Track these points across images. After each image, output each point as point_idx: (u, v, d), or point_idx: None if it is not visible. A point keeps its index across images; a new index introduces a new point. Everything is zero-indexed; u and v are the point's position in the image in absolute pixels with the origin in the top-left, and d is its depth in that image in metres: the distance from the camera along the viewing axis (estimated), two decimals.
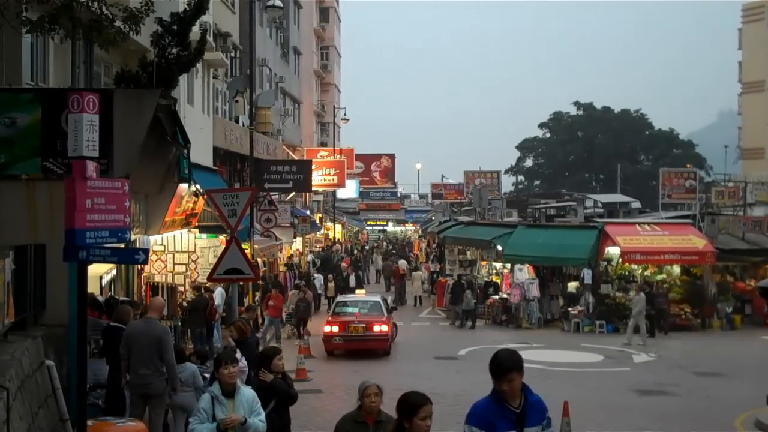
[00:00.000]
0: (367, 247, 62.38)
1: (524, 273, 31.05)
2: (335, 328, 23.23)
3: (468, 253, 38.67)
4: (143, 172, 13.64)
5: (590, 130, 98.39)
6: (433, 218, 65.68)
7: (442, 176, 76.86)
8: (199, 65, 24.27)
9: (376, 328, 23.12)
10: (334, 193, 58.83)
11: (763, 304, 28.93)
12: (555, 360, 22.99)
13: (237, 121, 32.85)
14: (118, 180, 9.27)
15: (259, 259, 28.30)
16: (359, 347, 23.10)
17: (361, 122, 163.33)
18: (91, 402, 10.58)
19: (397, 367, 22.04)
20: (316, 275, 36.74)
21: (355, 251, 57.28)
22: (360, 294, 29.14)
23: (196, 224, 21.00)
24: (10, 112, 11.35)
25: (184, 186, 17.05)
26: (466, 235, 37.83)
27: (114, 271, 16.40)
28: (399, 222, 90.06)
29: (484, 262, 36.67)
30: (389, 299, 30.20)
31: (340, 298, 27.15)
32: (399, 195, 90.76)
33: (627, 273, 30.98)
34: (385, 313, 24.08)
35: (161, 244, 21.24)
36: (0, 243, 10.08)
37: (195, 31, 16.82)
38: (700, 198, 38.88)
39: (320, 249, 51.48)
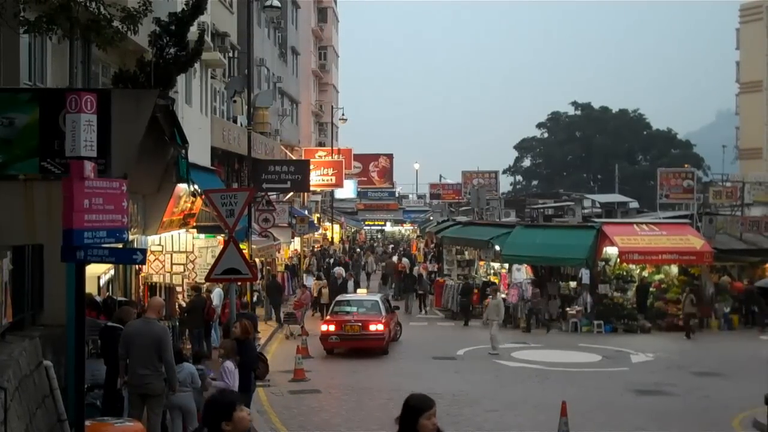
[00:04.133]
0: (358, 249, 61.59)
1: (522, 273, 31.06)
2: (332, 327, 23.55)
3: (466, 253, 38.65)
4: (141, 172, 13.64)
5: (588, 130, 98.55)
6: (431, 218, 65.69)
7: (440, 176, 76.96)
8: (197, 65, 24.25)
9: (372, 327, 23.30)
10: (332, 193, 58.84)
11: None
12: (553, 360, 23.02)
13: (235, 121, 32.84)
14: (116, 180, 9.28)
15: (257, 260, 28.30)
16: (355, 345, 23.33)
17: (359, 122, 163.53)
18: (88, 402, 10.56)
19: (395, 367, 22.05)
20: (336, 268, 37.48)
21: (355, 252, 57.21)
22: (361, 293, 29.19)
23: (194, 224, 21.01)
24: (7, 112, 11.35)
25: (182, 186, 17.05)
26: (464, 235, 37.83)
27: (112, 272, 16.39)
28: (397, 222, 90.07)
29: (482, 262, 36.66)
30: (390, 294, 30.34)
31: (339, 297, 27.28)
32: (397, 195, 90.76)
33: (625, 273, 30.99)
34: (383, 313, 24.15)
35: (159, 245, 21.24)
36: None
37: (193, 31, 16.81)
38: (697, 198, 38.92)
39: (318, 248, 51.51)
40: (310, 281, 33.93)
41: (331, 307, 25.88)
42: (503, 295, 31.30)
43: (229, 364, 12.65)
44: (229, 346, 13.27)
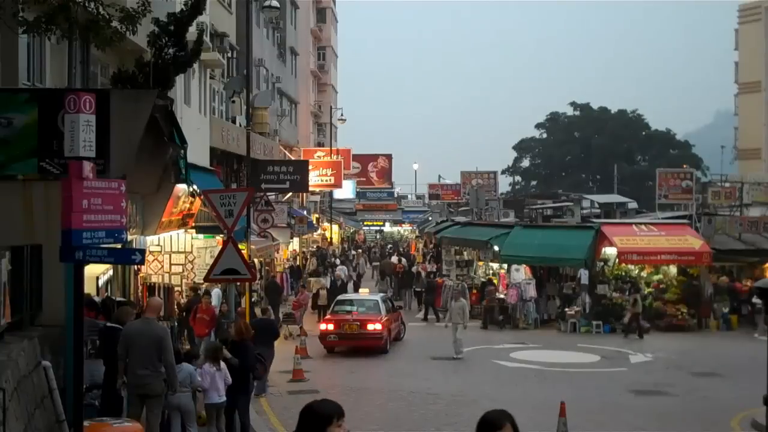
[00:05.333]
0: (359, 250, 60.99)
1: (521, 273, 31.06)
2: (330, 326, 23.80)
3: (465, 253, 38.67)
4: (140, 172, 13.62)
5: (587, 130, 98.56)
6: (430, 218, 65.68)
7: (439, 176, 76.92)
8: (195, 66, 24.21)
9: (370, 327, 23.47)
10: (331, 193, 58.80)
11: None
12: (552, 360, 23.04)
13: (234, 122, 32.81)
14: (115, 180, 9.27)
15: (256, 260, 28.27)
16: (353, 344, 23.57)
17: (358, 122, 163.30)
18: (87, 403, 10.56)
19: (394, 368, 22.06)
20: (340, 266, 37.96)
21: (346, 252, 57.17)
22: (363, 293, 29.28)
23: (193, 225, 21.00)
24: (6, 113, 11.33)
25: (181, 186, 17.04)
26: (463, 236, 37.85)
27: (110, 272, 16.38)
28: (396, 222, 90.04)
29: (481, 263, 36.68)
30: (389, 293, 30.40)
31: (340, 297, 27.41)
32: (396, 195, 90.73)
33: (624, 273, 31.01)
34: (383, 313, 24.24)
35: (158, 245, 21.23)
36: None
37: (192, 32, 16.79)
38: (696, 198, 38.90)
39: (316, 248, 51.45)
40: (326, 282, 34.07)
41: (332, 307, 26.03)
42: (502, 295, 31.38)
43: (207, 367, 12.62)
44: (211, 348, 13.24)
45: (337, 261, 46.04)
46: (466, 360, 23.27)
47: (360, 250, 57.88)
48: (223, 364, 12.78)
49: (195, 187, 17.86)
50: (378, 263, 49.48)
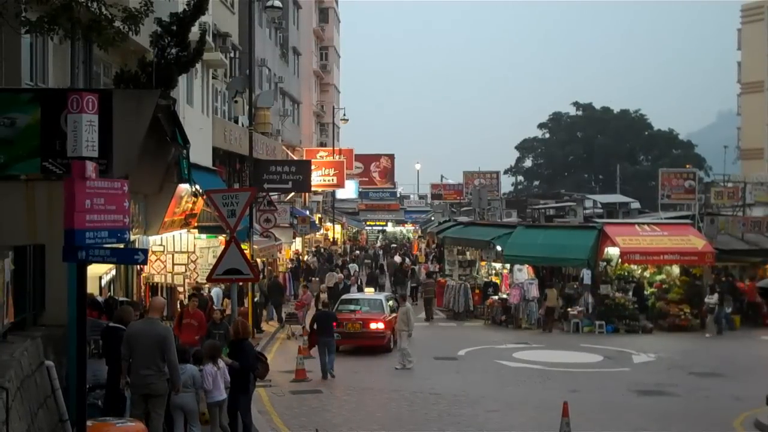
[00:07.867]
0: (358, 252, 59.07)
1: (524, 273, 31.03)
2: None
3: (467, 253, 38.64)
4: (142, 172, 13.63)
5: (589, 130, 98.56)
6: (433, 218, 65.68)
7: (442, 176, 76.81)
8: (198, 66, 24.26)
9: (373, 326, 23.54)
10: (333, 193, 58.81)
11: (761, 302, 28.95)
12: (554, 360, 23.01)
13: (236, 122, 32.85)
14: (118, 180, 9.27)
15: (258, 260, 28.29)
16: (356, 343, 23.62)
17: (361, 122, 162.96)
18: (90, 402, 10.56)
19: (396, 367, 22.03)
20: (350, 265, 38.43)
21: (357, 252, 56.98)
22: (369, 292, 29.34)
23: (196, 224, 21.01)
24: (9, 113, 11.35)
25: (183, 186, 17.05)
26: (465, 236, 37.83)
27: (113, 272, 16.39)
28: (398, 222, 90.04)
29: (483, 263, 36.65)
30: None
31: (345, 296, 27.46)
32: (398, 195, 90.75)
33: (626, 273, 30.98)
34: (386, 312, 24.28)
35: (160, 245, 21.22)
36: None
37: (194, 32, 16.81)
38: (699, 198, 38.88)
39: (318, 248, 51.42)
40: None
41: (336, 306, 26.06)
42: (504, 296, 31.36)
43: (209, 368, 12.60)
44: (208, 347, 13.20)
45: (341, 261, 45.98)
46: (468, 360, 23.26)
47: (357, 252, 56.99)
48: (221, 363, 12.78)
49: (197, 187, 17.88)
50: (370, 260, 49.47)
